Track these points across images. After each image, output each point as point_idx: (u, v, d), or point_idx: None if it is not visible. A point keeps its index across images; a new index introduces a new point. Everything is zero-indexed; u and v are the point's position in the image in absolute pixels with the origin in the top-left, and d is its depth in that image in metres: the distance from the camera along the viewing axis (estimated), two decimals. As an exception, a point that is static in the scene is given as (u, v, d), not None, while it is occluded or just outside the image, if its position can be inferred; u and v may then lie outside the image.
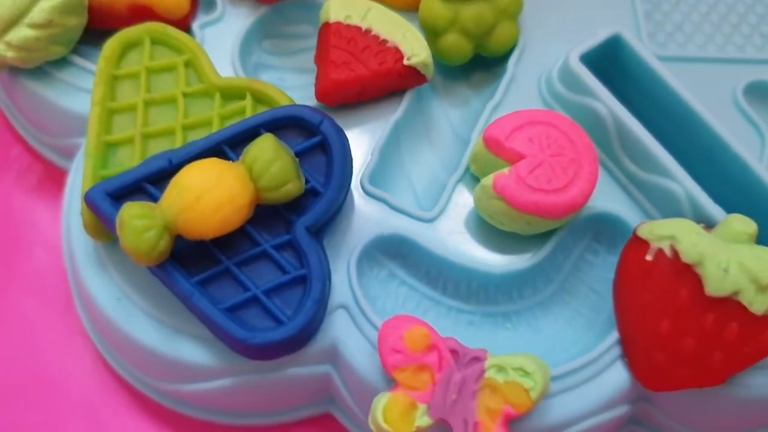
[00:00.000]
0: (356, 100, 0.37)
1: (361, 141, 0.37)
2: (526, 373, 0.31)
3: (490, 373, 0.32)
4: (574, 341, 0.35)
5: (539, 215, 0.33)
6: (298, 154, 0.34)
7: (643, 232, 0.33)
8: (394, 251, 0.35)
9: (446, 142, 0.38)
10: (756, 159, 0.35)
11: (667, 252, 0.32)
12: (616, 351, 0.33)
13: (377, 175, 0.36)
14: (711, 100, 0.37)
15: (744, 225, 0.32)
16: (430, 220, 0.36)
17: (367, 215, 0.35)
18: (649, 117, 0.37)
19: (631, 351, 0.33)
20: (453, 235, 0.35)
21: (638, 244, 0.33)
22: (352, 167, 0.34)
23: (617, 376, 0.33)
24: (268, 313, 0.32)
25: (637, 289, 0.33)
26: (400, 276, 0.36)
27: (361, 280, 0.35)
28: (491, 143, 0.34)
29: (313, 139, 0.34)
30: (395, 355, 0.32)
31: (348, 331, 0.34)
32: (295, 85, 0.39)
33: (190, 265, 0.33)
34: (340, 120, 0.36)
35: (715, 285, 0.31)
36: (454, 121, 0.39)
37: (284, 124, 0.34)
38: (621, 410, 0.34)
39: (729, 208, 0.34)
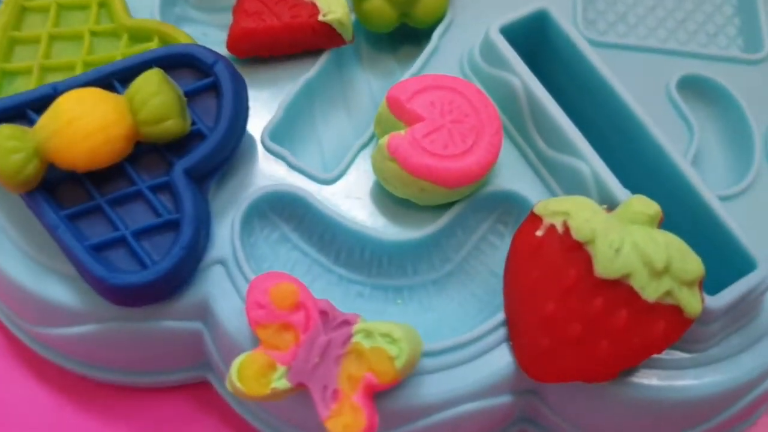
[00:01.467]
0: (268, 53, 0.35)
1: (272, 97, 0.35)
2: (393, 340, 0.29)
3: (357, 338, 0.29)
4: (463, 323, 0.33)
5: (431, 181, 0.31)
6: (188, 94, 0.32)
7: (539, 208, 0.31)
8: (289, 212, 0.34)
9: (364, 111, 0.36)
10: (677, 150, 0.33)
11: (559, 228, 0.30)
12: (502, 333, 0.31)
13: (282, 133, 0.35)
14: (643, 90, 0.35)
15: (644, 206, 0.29)
16: (328, 182, 0.34)
17: (264, 171, 0.34)
18: (573, 99, 0.35)
19: (515, 333, 0.31)
20: (349, 200, 0.33)
21: (532, 220, 0.31)
22: (245, 114, 0.33)
23: (500, 360, 0.31)
24: (135, 256, 0.31)
25: (525, 267, 0.30)
26: (293, 240, 0.34)
27: (248, 239, 0.33)
28: (393, 104, 0.32)
29: (206, 80, 0.32)
30: (258, 310, 0.30)
31: (222, 287, 0.32)
32: (218, 41, 0.37)
33: (63, 198, 0.31)
34: (251, 73, 0.35)
35: (604, 265, 0.28)
36: (375, 90, 0.37)
37: (178, 62, 0.32)
38: (503, 400, 0.31)
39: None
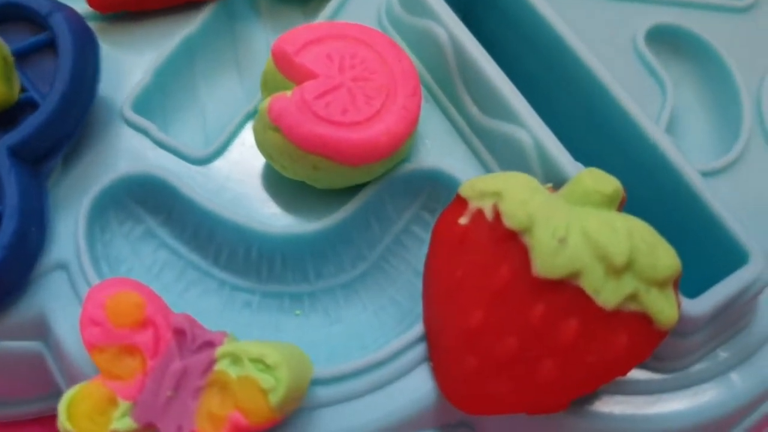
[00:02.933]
0: (137, 7, 0.28)
1: (142, 59, 0.28)
2: (267, 367, 0.22)
3: (221, 365, 0.22)
4: (379, 337, 0.26)
5: (326, 156, 0.24)
6: (18, 54, 0.25)
7: (464, 188, 0.24)
8: (154, 201, 0.26)
9: (258, 72, 0.28)
10: (646, 114, 0.26)
11: (488, 213, 0.23)
12: (421, 350, 0.24)
13: (152, 103, 0.27)
14: (603, 43, 0.28)
15: (599, 181, 0.22)
16: (203, 161, 0.27)
17: (124, 151, 0.26)
18: (515, 55, 0.27)
19: (436, 351, 0.24)
20: (230, 183, 0.26)
21: (456, 205, 0.24)
22: (93, 77, 0.26)
23: (419, 386, 0.24)
24: (-60, 260, 0.24)
25: (446, 265, 0.23)
26: (161, 236, 0.27)
27: (101, 235, 0.26)
28: (279, 58, 0.25)
29: (41, 36, 0.25)
30: (93, 328, 0.23)
31: (62, 298, 0.25)
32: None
33: None
34: (119, 32, 0.28)
35: (546, 261, 0.21)
36: (276, 49, 0.30)
37: (7, 15, 0.26)
38: (422, 437, 0.25)
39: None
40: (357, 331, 0.26)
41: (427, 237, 0.27)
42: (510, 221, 0.22)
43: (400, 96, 0.25)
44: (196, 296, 0.26)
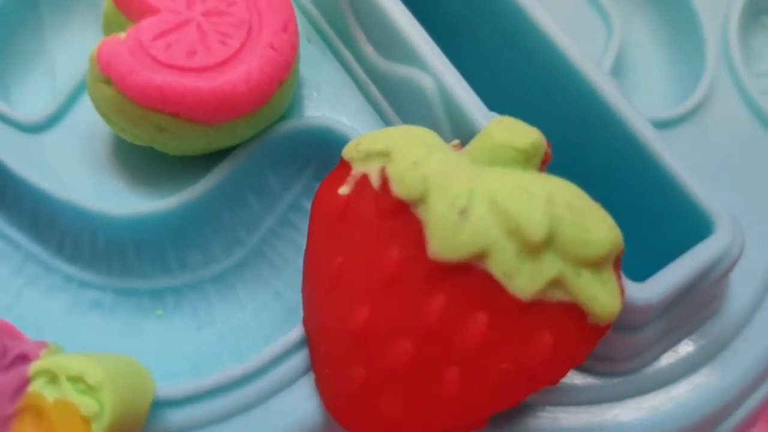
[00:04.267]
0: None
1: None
2: (88, 388, 0.17)
3: (36, 385, 0.17)
4: (256, 341, 0.21)
5: (170, 112, 0.19)
6: None
7: (348, 149, 0.19)
8: (-21, 181, 0.22)
9: None
10: (584, 54, 0.21)
11: (374, 180, 0.18)
12: (303, 358, 0.19)
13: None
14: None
15: (512, 134, 0.17)
16: (36, 129, 0.22)
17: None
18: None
19: (318, 359, 0.19)
20: (70, 154, 0.21)
21: (339, 171, 0.19)
22: None
23: (301, 404, 0.18)
24: None
25: (326, 248, 0.18)
26: (-6, 223, 0.22)
27: None
28: (117, -7, 0.21)
29: None
30: None
31: None
32: None
33: None
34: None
35: (444, 239, 0.16)
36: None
37: None
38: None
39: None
40: (232, 335, 0.21)
41: (321, 214, 0.22)
42: (400, 188, 0.17)
43: (265, 32, 0.20)
44: (39, 295, 0.21)
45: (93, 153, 0.21)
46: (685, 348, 0.20)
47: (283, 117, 0.21)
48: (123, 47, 0.19)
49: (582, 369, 0.19)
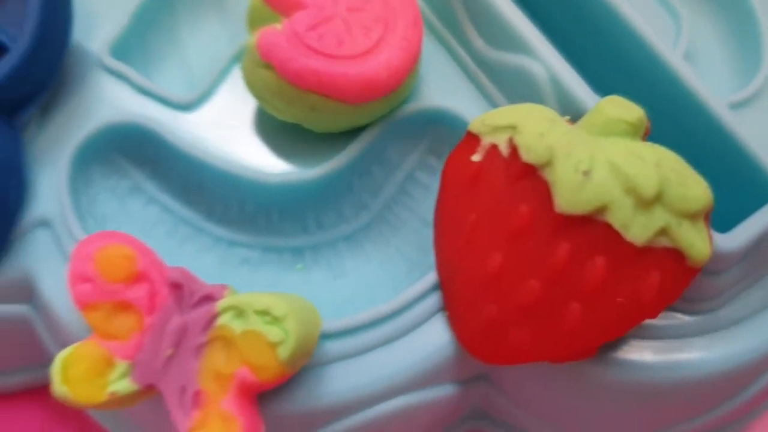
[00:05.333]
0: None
1: (117, 3, 0.26)
2: (274, 319, 0.20)
3: (224, 319, 0.21)
4: (387, 290, 0.24)
5: (324, 94, 0.22)
6: (-14, -4, 0.24)
7: (475, 124, 0.22)
8: (139, 152, 0.25)
9: (243, 14, 0.26)
10: (664, 44, 0.25)
11: (503, 149, 0.21)
12: (435, 300, 0.23)
13: (128, 49, 0.25)
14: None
15: (621, 109, 0.21)
16: (189, 107, 0.25)
17: (104, 99, 0.25)
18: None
19: (451, 299, 0.22)
20: (219, 130, 0.24)
21: (467, 142, 0.22)
22: (65, 20, 0.24)
23: (435, 338, 0.22)
24: None
25: (460, 207, 0.22)
26: (149, 191, 0.25)
27: (85, 190, 0.24)
28: (267, -10, 0.24)
29: (9, -23, 0.24)
30: (83, 284, 0.21)
31: (47, 257, 0.23)
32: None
33: None
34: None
35: (569, 196, 0.20)
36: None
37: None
38: (443, 392, 0.23)
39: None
40: (363, 284, 0.24)
41: (433, 183, 0.25)
42: (528, 155, 0.21)
43: (399, 26, 0.23)
44: (191, 254, 0.25)
45: (240, 128, 0.25)
46: (755, 293, 0.23)
47: (404, 101, 0.24)
48: (281, 37, 0.22)
49: (669, 308, 0.23)
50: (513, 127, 0.21)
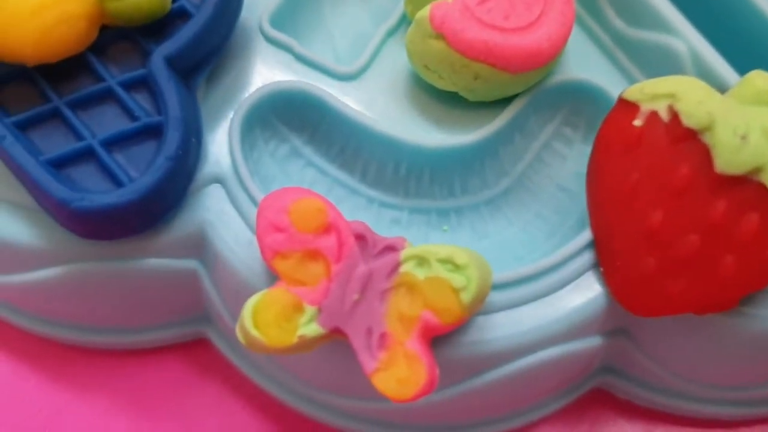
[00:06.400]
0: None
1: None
2: (457, 267, 0.22)
3: (407, 267, 0.22)
4: (529, 251, 0.26)
5: (490, 64, 0.24)
6: (168, -34, 0.25)
7: (632, 93, 0.24)
8: (300, 118, 0.26)
9: None
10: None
11: (663, 115, 0.23)
12: (588, 257, 0.24)
13: (284, 20, 0.27)
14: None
15: (770, 81, 0.23)
16: (349, 77, 0.26)
17: (266, 66, 0.26)
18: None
19: (608, 255, 0.24)
20: (378, 98, 0.26)
21: (624, 109, 0.24)
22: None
23: (588, 292, 0.24)
24: (106, 172, 0.23)
25: (620, 169, 0.24)
26: (306, 155, 0.27)
27: (250, 153, 0.26)
28: (430, -34, 0.25)
29: (189, -52, 0.25)
30: (275, 234, 0.23)
31: (222, 211, 0.24)
32: None
33: (10, 101, 0.24)
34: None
35: (728, 158, 0.22)
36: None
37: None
38: (591, 343, 0.24)
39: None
40: (505, 246, 0.26)
41: (568, 153, 0.27)
42: (689, 120, 0.22)
43: (557, 3, 0.25)
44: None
45: (397, 97, 0.26)
46: None
47: (548, 73, 0.26)
48: (454, 10, 0.24)
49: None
50: (672, 95, 0.23)
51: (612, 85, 0.26)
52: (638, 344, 0.26)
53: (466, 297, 0.22)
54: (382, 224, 0.26)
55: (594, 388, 0.27)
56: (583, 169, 0.26)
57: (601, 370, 0.27)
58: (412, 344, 0.22)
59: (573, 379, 0.26)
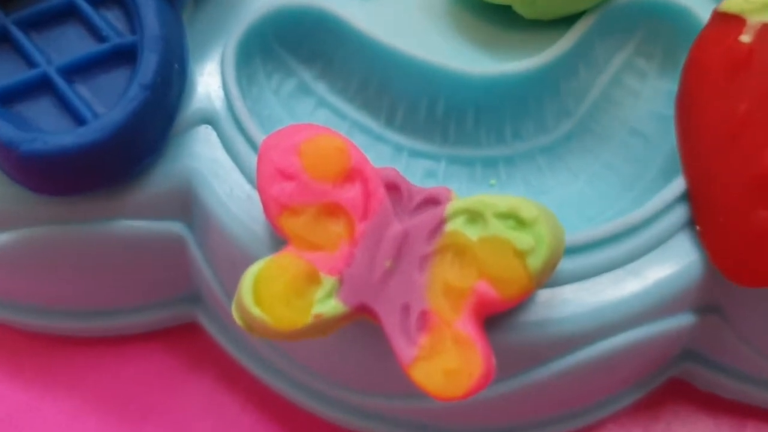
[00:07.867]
0: None
1: None
2: (521, 224, 0.17)
3: (455, 224, 0.17)
4: (602, 209, 0.21)
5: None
6: None
7: (734, 3, 0.19)
8: (309, 45, 0.21)
9: None
10: None
11: (781, 28, 0.18)
12: (681, 213, 0.19)
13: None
14: None
15: None
16: (370, -4, 0.22)
17: (267, -17, 0.22)
18: None
19: (707, 209, 0.19)
20: (409, 17, 0.21)
21: (724, 24, 0.19)
22: None
23: (679, 257, 0.19)
24: (66, 107, 0.18)
25: (722, 97, 0.19)
26: (319, 92, 0.22)
27: (248, 89, 0.21)
28: None
29: None
30: (282, 182, 0.18)
31: (213, 159, 0.19)
32: None
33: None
34: None
35: None
36: None
37: None
38: (682, 321, 0.19)
39: None
40: (570, 202, 0.21)
41: (642, 89, 0.22)
42: (818, 32, 0.18)
43: None
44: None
45: (433, 15, 0.21)
46: None
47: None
48: None
49: None
50: (791, 2, 0.18)
51: (700, 2, 0.21)
52: (733, 324, 0.21)
53: (534, 263, 0.17)
54: (413, 178, 0.20)
55: (671, 379, 0.23)
56: (661, 108, 0.21)
57: (682, 356, 0.22)
58: (462, 325, 0.17)
59: (652, 367, 0.21)
